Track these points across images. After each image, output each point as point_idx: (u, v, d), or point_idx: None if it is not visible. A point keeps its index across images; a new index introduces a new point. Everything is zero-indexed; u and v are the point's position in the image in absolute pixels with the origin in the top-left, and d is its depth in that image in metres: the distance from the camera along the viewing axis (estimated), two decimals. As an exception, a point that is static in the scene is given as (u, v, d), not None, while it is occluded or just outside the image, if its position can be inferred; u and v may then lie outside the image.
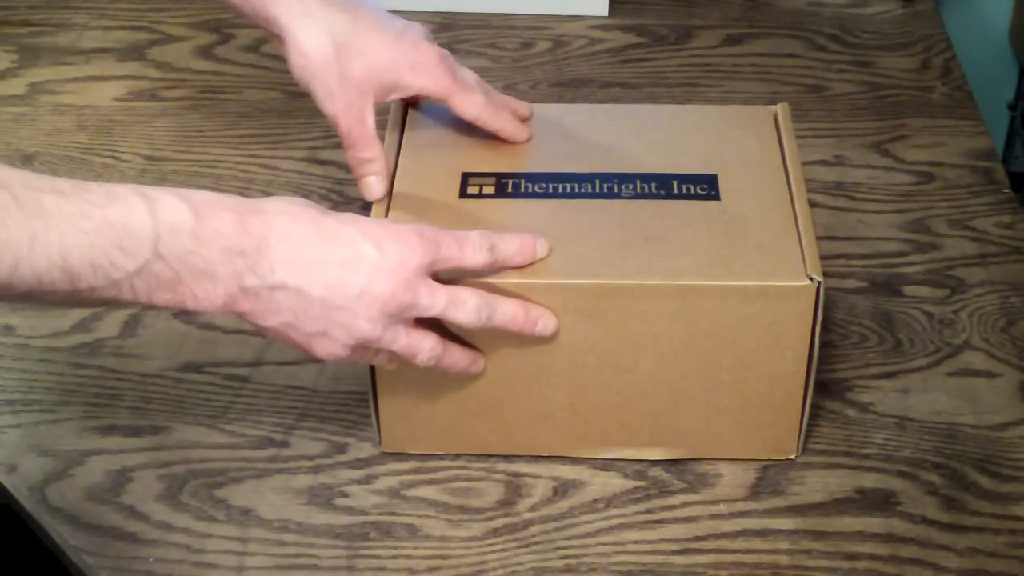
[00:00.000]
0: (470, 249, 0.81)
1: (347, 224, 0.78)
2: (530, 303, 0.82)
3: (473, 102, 0.93)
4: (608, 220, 0.86)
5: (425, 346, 0.81)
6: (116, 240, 0.70)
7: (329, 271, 0.76)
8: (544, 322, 0.83)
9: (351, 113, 0.91)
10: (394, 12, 0.94)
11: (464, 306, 0.80)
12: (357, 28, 0.90)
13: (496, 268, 0.82)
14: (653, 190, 0.89)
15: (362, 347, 0.80)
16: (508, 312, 0.82)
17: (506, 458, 0.90)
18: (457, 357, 0.83)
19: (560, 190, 0.89)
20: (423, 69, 0.92)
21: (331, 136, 1.17)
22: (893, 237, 1.08)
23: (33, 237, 0.68)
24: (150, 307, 0.74)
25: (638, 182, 0.89)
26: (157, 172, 1.15)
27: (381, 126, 0.93)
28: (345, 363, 0.82)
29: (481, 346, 0.84)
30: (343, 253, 0.77)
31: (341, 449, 0.91)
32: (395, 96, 0.93)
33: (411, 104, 0.97)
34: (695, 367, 0.85)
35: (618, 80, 1.26)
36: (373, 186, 0.90)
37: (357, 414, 0.93)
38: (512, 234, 0.83)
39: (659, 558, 0.84)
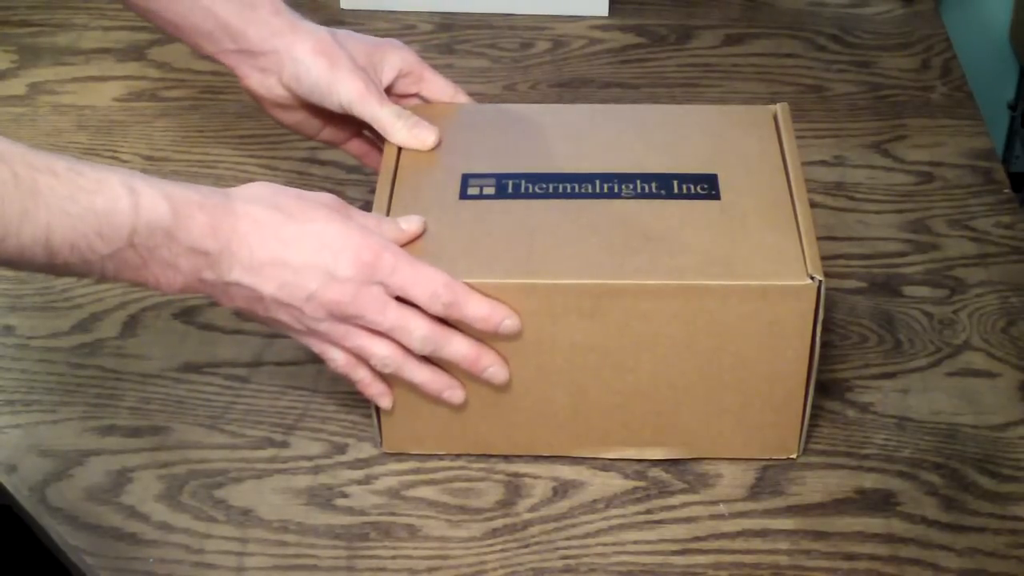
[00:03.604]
0: (425, 293, 0.81)
1: (310, 234, 0.81)
2: (484, 347, 0.83)
3: (444, 83, 0.99)
4: (608, 220, 0.86)
5: (377, 351, 0.83)
6: (97, 227, 0.74)
7: (283, 273, 0.80)
8: (494, 371, 0.84)
9: (372, 89, 0.94)
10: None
11: (409, 335, 0.82)
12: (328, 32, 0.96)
13: (451, 320, 0.82)
14: (653, 190, 0.89)
15: (317, 337, 0.83)
16: (459, 352, 0.83)
17: (506, 458, 0.90)
18: (426, 377, 0.84)
19: (560, 190, 0.89)
20: (393, 45, 0.98)
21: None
22: (893, 237, 1.08)
23: (24, 215, 0.72)
24: (114, 281, 0.79)
25: (638, 182, 0.89)
26: (157, 172, 1.13)
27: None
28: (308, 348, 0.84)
29: (481, 346, 0.85)
30: (300, 259, 0.80)
31: (341, 449, 0.91)
32: (385, 72, 0.97)
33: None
34: (696, 367, 0.85)
35: (618, 80, 1.26)
36: (428, 136, 0.93)
37: (357, 414, 0.93)
38: (486, 301, 0.82)
39: (659, 558, 0.84)
